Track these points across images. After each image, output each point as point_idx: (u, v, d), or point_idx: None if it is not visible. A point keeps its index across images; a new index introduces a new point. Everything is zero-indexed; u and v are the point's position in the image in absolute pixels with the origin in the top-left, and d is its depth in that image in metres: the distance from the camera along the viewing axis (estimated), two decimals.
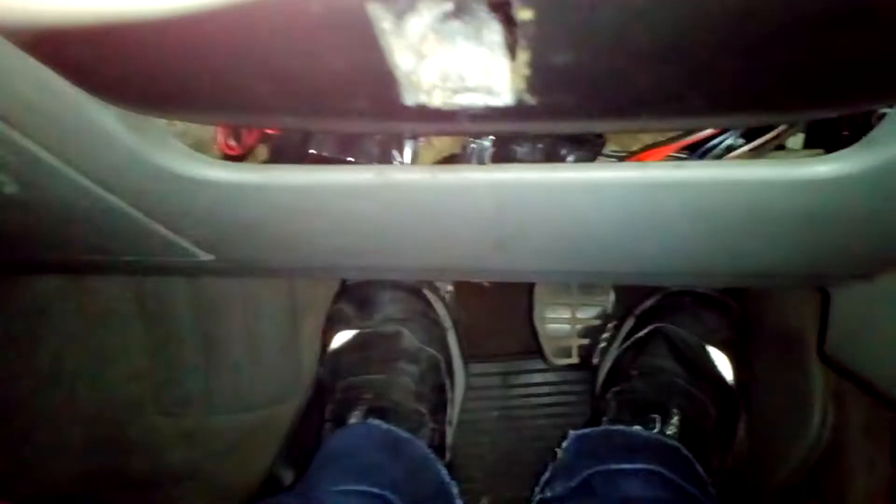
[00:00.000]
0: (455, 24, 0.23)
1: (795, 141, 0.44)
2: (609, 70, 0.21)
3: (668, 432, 0.67)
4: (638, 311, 0.79)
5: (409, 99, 0.23)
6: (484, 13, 0.22)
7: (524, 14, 0.17)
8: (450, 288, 0.86)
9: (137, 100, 0.30)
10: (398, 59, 0.21)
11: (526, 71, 0.21)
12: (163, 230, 0.43)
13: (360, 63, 0.20)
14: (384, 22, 0.20)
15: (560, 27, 0.18)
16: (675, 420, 0.67)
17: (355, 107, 0.23)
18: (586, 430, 0.71)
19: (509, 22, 0.19)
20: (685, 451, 0.65)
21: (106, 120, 0.31)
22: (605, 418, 0.72)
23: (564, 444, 0.71)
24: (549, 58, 0.19)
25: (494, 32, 0.22)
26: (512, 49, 0.21)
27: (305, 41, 0.21)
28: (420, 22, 0.22)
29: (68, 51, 0.26)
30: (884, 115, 0.30)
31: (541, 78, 0.21)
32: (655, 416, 0.68)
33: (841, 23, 0.21)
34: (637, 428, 0.67)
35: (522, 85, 0.22)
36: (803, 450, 0.72)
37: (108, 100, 0.30)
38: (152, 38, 0.24)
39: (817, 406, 0.70)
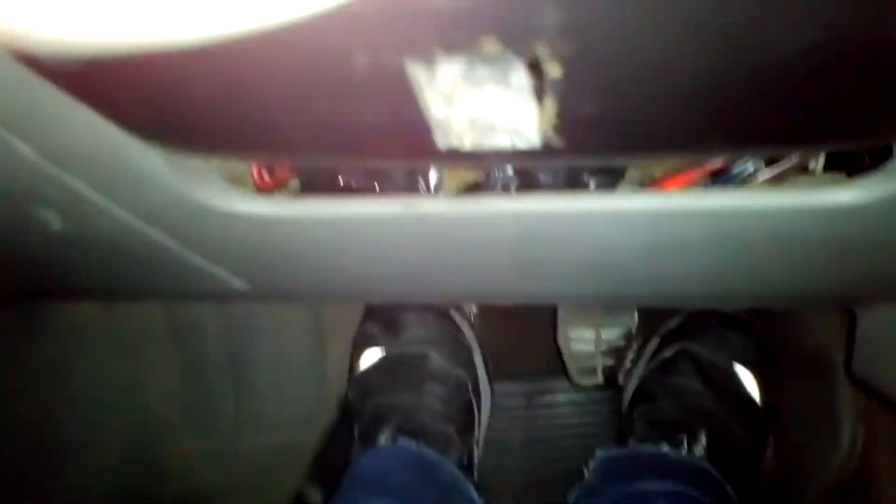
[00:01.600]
0: (483, 71, 0.24)
1: (818, 162, 0.45)
2: (632, 116, 0.22)
3: (697, 453, 0.67)
4: (663, 331, 0.79)
5: (442, 143, 0.24)
6: (512, 60, 0.23)
7: (553, 71, 0.18)
8: (475, 309, 0.87)
9: (179, 142, 0.31)
10: (432, 107, 0.23)
11: (553, 118, 0.22)
12: (199, 260, 0.45)
13: (398, 112, 0.22)
14: (422, 76, 0.21)
15: (587, 82, 0.19)
16: (702, 441, 0.67)
17: (391, 149, 0.24)
18: (613, 451, 0.71)
19: (539, 75, 0.20)
20: (714, 473, 0.65)
21: (149, 160, 0.33)
22: (631, 439, 0.72)
23: (592, 465, 0.71)
24: (575, 107, 0.21)
25: (521, 78, 0.24)
26: (540, 97, 0.22)
27: (346, 91, 0.22)
28: (451, 70, 0.23)
29: (113, 96, 0.28)
30: None
31: (567, 123, 0.22)
32: (683, 436, 0.68)
33: (857, 60, 0.22)
34: (665, 448, 0.67)
35: (550, 130, 0.23)
36: (833, 471, 0.71)
37: (150, 142, 0.32)
38: (198, 83, 0.25)
39: (846, 427, 0.70)
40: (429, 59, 0.20)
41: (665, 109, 0.22)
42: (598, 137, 0.24)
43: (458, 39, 0.17)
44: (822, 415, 0.73)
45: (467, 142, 0.24)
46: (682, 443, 0.67)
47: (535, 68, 0.20)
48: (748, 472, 0.70)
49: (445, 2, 0.17)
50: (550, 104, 0.21)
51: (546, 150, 0.25)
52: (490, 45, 0.18)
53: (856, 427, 0.69)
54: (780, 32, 0.19)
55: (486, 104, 0.24)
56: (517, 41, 0.17)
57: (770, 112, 0.24)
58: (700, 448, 0.67)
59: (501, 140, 0.25)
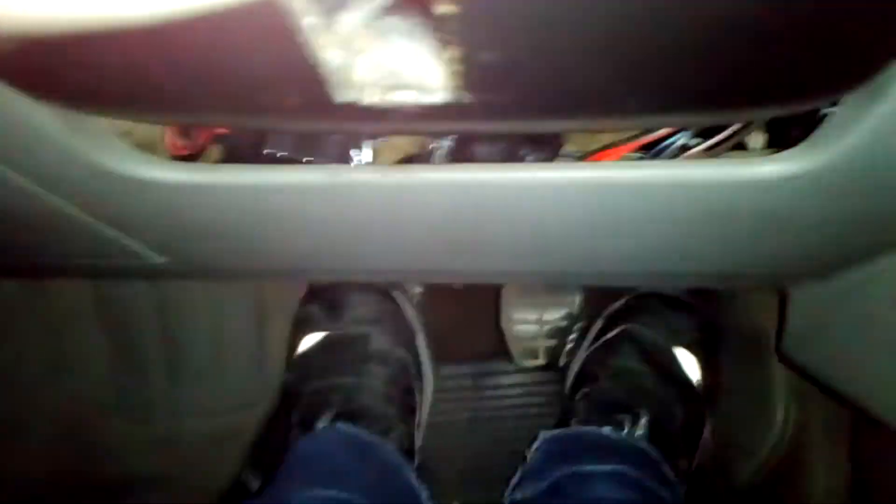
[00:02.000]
0: (390, 21, 0.22)
1: (757, 140, 0.45)
2: (543, 68, 0.20)
3: (637, 434, 0.67)
4: (606, 312, 0.79)
5: (340, 96, 0.22)
6: (414, 16, 0.22)
7: (444, 8, 0.17)
8: (419, 290, 0.86)
9: (67, 98, 0.29)
10: (327, 56, 0.21)
11: (457, 67, 0.20)
12: (110, 232, 0.42)
13: (285, 60, 0.20)
14: (310, 17, 0.19)
15: (486, 23, 0.17)
16: (643, 421, 0.68)
17: (285, 104, 0.23)
18: (556, 432, 0.71)
19: (438, 17, 0.18)
20: (654, 453, 0.66)
21: (38, 118, 0.30)
22: (574, 420, 0.72)
23: (534, 446, 0.71)
24: (478, 55, 0.19)
25: (425, 35, 0.22)
26: (442, 45, 0.20)
27: (230, 37, 0.20)
28: (351, 18, 0.21)
29: (4, 54, 0.25)
30: (825, 115, 0.30)
31: (473, 75, 0.21)
32: (624, 417, 0.68)
33: (778, 23, 0.21)
34: (606, 429, 0.67)
35: (456, 82, 0.21)
36: (766, 449, 0.72)
37: (38, 98, 0.29)
38: (82, 39, 0.23)
39: (779, 406, 0.71)
40: (325, 9, 0.19)
41: (579, 63, 0.21)
42: (509, 94, 0.22)
43: None
44: (757, 394, 0.74)
45: (368, 97, 0.23)
46: (623, 424, 0.67)
47: (439, 20, 0.18)
48: (687, 452, 0.71)
49: None
50: (452, 51, 0.19)
51: (456, 109, 0.23)
52: None
53: (789, 406, 0.71)
54: None
55: (391, 56, 0.23)
56: None
57: (691, 71, 0.23)
58: (641, 429, 0.68)
59: (407, 95, 0.23)
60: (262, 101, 0.23)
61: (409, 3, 0.19)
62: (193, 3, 0.15)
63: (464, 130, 0.36)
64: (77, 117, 0.31)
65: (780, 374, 0.71)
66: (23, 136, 0.32)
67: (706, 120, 0.32)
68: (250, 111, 0.25)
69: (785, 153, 0.32)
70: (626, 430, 0.67)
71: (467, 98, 0.22)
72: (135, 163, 0.34)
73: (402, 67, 0.23)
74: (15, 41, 0.22)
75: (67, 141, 0.32)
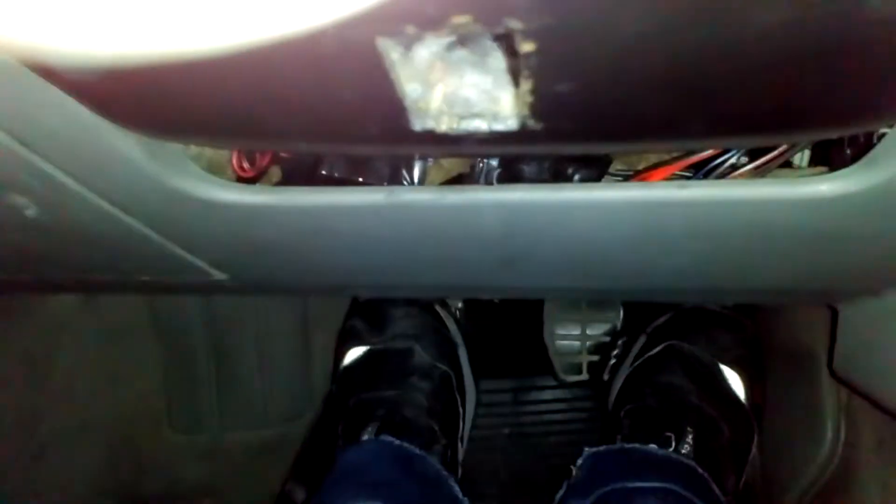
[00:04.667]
0: (461, 53, 0.24)
1: (801, 158, 0.45)
2: (609, 98, 0.21)
3: (683, 451, 0.67)
4: (649, 328, 0.79)
5: (418, 125, 0.23)
6: (488, 42, 0.23)
7: (526, 46, 0.18)
8: (460, 304, 0.87)
9: (155, 127, 0.31)
10: (407, 88, 0.22)
11: (529, 98, 0.21)
12: (178, 251, 0.44)
13: (371, 92, 0.21)
14: (393, 53, 0.21)
15: (560, 59, 0.18)
16: (689, 439, 0.67)
17: (366, 133, 0.24)
18: (601, 448, 0.71)
19: (513, 52, 0.20)
20: (701, 471, 0.65)
21: (125, 146, 0.32)
22: (618, 436, 0.72)
23: (579, 462, 0.71)
24: (551, 86, 0.20)
25: (498, 60, 0.23)
26: (516, 77, 0.21)
27: (318, 72, 0.22)
28: (427, 51, 0.23)
29: (88, 81, 0.27)
30: (884, 134, 0.31)
31: (544, 104, 0.22)
32: (670, 434, 0.68)
33: (836, 48, 0.22)
34: (652, 446, 0.67)
35: (526, 111, 0.23)
36: (816, 468, 0.71)
37: (126, 126, 0.31)
38: (170, 69, 0.25)
39: (829, 424, 0.70)
40: (402, 38, 0.20)
41: (643, 93, 0.22)
42: (576, 121, 0.23)
43: (429, 13, 0.17)
44: (806, 412, 0.73)
45: (443, 125, 0.24)
46: (669, 441, 0.67)
47: (511, 47, 0.20)
48: (734, 471, 0.70)
49: None
50: (525, 83, 0.20)
51: (524, 135, 0.25)
52: (462, 20, 0.17)
53: (838, 424, 0.70)
54: (762, 18, 0.19)
55: (463, 87, 0.24)
56: (489, 15, 0.17)
57: (751, 99, 0.24)
58: (687, 446, 0.67)
59: (479, 123, 0.24)
60: (344, 130, 0.24)
61: (487, 39, 0.20)
62: (262, 33, 0.16)
63: (527, 153, 0.37)
64: (157, 143, 0.33)
65: (828, 391, 0.70)
66: (105, 160, 0.34)
67: (764, 142, 0.33)
68: (332, 139, 0.26)
69: (841, 172, 0.32)
70: (671, 447, 0.67)
71: (535, 125, 0.24)
72: (208, 186, 0.36)
73: (474, 97, 0.24)
74: (104, 71, 0.24)
75: (147, 166, 0.34)
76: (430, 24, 0.17)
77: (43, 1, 0.16)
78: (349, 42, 0.19)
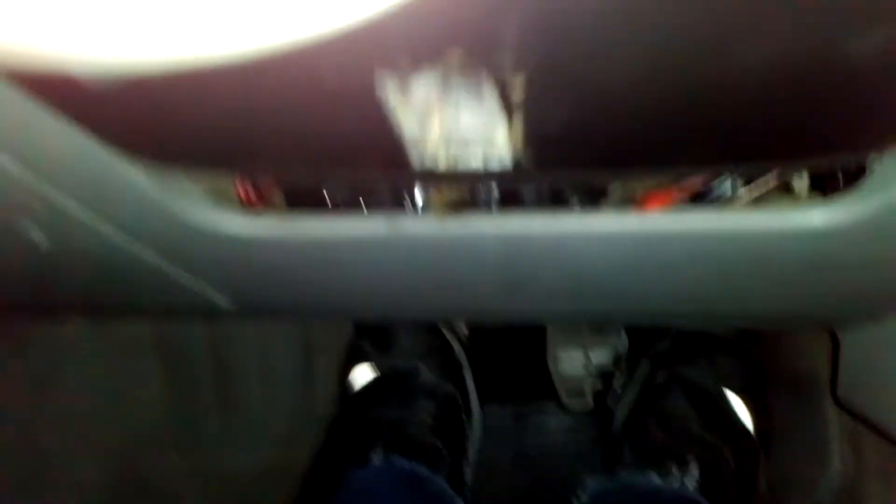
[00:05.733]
0: (457, 90, 0.24)
1: (801, 183, 0.45)
2: (600, 132, 0.22)
3: (688, 484, 0.66)
4: (652, 353, 0.79)
5: (416, 162, 0.24)
6: (482, 76, 0.24)
7: (517, 80, 0.19)
8: (465, 329, 0.87)
9: (159, 156, 0.32)
10: (405, 127, 0.23)
11: (521, 134, 0.22)
12: (185, 278, 0.45)
13: (371, 130, 0.22)
14: (393, 92, 0.21)
15: (552, 91, 0.19)
16: (693, 470, 0.66)
17: (368, 164, 0.25)
18: (603, 481, 0.70)
19: (504, 87, 0.20)
20: (705, 503, 0.64)
21: (133, 176, 0.33)
22: (620, 466, 0.71)
23: (580, 495, 0.71)
24: (543, 119, 0.21)
25: (492, 97, 0.24)
26: (509, 112, 0.22)
27: (322, 108, 0.22)
28: (425, 88, 0.23)
29: (97, 113, 0.28)
30: (873, 168, 0.31)
31: (537, 137, 0.23)
32: (673, 465, 0.67)
33: (829, 78, 0.22)
34: (654, 478, 0.66)
35: (519, 146, 0.23)
36: (821, 495, 0.70)
37: (133, 157, 0.32)
38: (174, 98, 0.26)
39: (834, 451, 0.69)
40: (400, 76, 0.21)
41: (626, 124, 0.23)
42: (567, 154, 0.24)
43: (424, 52, 0.18)
44: (811, 438, 0.73)
45: (441, 161, 0.25)
46: (671, 472, 0.66)
47: (503, 84, 0.20)
48: (740, 501, 0.70)
49: (411, 16, 0.17)
50: (518, 119, 0.21)
51: (518, 169, 0.25)
52: (455, 57, 0.18)
53: (844, 450, 0.69)
54: (749, 52, 0.20)
55: (460, 123, 0.25)
56: (480, 52, 0.18)
57: (741, 129, 0.25)
58: (691, 479, 0.66)
59: (475, 159, 0.25)
60: (346, 161, 0.25)
61: (480, 75, 0.21)
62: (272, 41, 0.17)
63: (521, 181, 0.37)
64: (164, 174, 0.34)
65: (833, 417, 0.70)
66: (113, 189, 0.35)
67: (758, 170, 0.33)
68: (333, 168, 0.27)
69: (832, 203, 0.33)
70: (674, 479, 0.66)
71: (530, 161, 0.24)
72: (216, 216, 0.36)
73: (470, 134, 0.25)
74: (111, 90, 0.25)
75: (153, 194, 0.35)
76: (425, 58, 0.18)
77: (55, 8, 0.16)
78: (351, 80, 0.20)
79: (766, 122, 0.24)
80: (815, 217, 0.31)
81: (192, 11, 0.16)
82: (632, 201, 0.47)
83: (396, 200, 0.49)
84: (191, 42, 0.16)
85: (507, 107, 0.23)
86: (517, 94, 0.20)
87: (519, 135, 0.23)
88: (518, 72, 0.19)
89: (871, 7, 0.16)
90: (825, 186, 0.42)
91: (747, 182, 0.43)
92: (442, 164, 0.25)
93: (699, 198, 0.44)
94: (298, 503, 0.88)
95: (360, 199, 0.49)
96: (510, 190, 0.47)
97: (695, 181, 0.43)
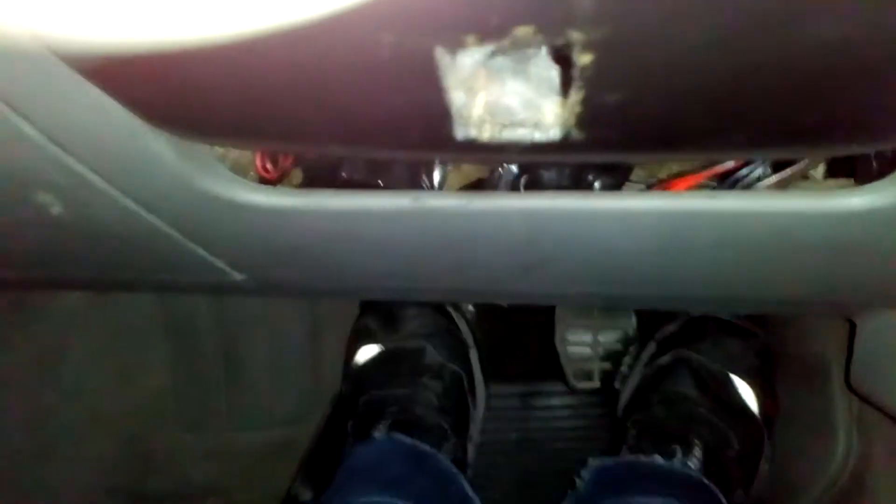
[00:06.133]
0: (503, 61, 0.24)
1: (818, 170, 0.45)
2: (655, 109, 0.21)
3: (691, 464, 0.66)
4: (659, 336, 0.79)
5: (460, 133, 0.23)
6: (531, 50, 0.23)
7: (584, 58, 0.18)
8: (472, 308, 0.87)
9: (187, 127, 0.31)
10: (452, 95, 0.22)
11: (578, 108, 0.21)
12: (199, 251, 0.44)
13: (417, 99, 0.21)
14: (444, 60, 0.21)
15: (615, 70, 0.18)
16: (697, 451, 0.67)
17: (408, 139, 0.24)
18: (606, 461, 0.70)
19: (565, 63, 0.20)
20: (709, 484, 0.64)
21: (157, 145, 0.32)
22: (625, 446, 0.71)
23: (584, 474, 0.71)
24: (601, 97, 0.20)
25: (541, 69, 0.23)
26: (566, 87, 0.21)
27: (367, 75, 0.22)
28: (471, 59, 0.23)
29: (125, 78, 0.28)
30: None
31: (591, 114, 0.22)
32: (676, 446, 0.67)
33: (868, 65, 0.22)
34: (658, 458, 0.67)
35: (572, 121, 0.23)
36: (828, 479, 0.71)
37: (161, 126, 0.31)
38: (209, 67, 0.25)
39: (842, 434, 0.70)
40: (456, 46, 0.20)
41: (686, 104, 0.22)
42: (618, 131, 0.23)
43: (493, 24, 0.17)
44: (818, 422, 0.73)
45: (485, 133, 0.24)
46: (675, 453, 0.66)
47: (562, 59, 0.20)
48: (743, 483, 0.70)
49: None
50: (576, 94, 0.20)
51: (564, 144, 0.24)
52: (525, 31, 0.17)
53: (851, 435, 0.70)
54: (800, 36, 0.19)
55: (507, 95, 0.24)
56: (553, 27, 0.17)
57: (793, 113, 0.24)
58: (694, 459, 0.66)
59: (520, 132, 0.24)
60: (386, 135, 0.24)
61: (548, 38, 0.20)
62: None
63: (564, 162, 0.37)
64: (188, 144, 0.34)
65: (841, 402, 0.70)
66: (134, 159, 0.34)
67: (796, 155, 0.33)
68: (371, 144, 0.26)
69: (871, 186, 0.32)
70: (678, 460, 0.66)
71: (579, 135, 0.24)
72: (235, 187, 0.36)
73: (515, 106, 0.24)
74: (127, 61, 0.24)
75: (176, 166, 0.34)
76: (493, 34, 0.17)
77: None
78: (407, 49, 0.19)
79: (818, 108, 0.24)
80: (854, 200, 0.31)
81: None
82: (654, 185, 0.47)
83: (414, 182, 0.48)
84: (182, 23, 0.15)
85: (566, 82, 0.22)
86: (580, 71, 0.19)
87: (571, 111, 0.22)
88: (586, 49, 0.18)
89: None
90: (855, 172, 0.41)
91: (774, 167, 0.42)
92: (486, 136, 0.24)
93: (726, 177, 0.43)
94: (302, 479, 0.88)
95: (378, 180, 0.48)
96: (530, 174, 0.46)
97: (721, 165, 0.43)
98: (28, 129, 0.31)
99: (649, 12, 0.16)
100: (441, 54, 0.19)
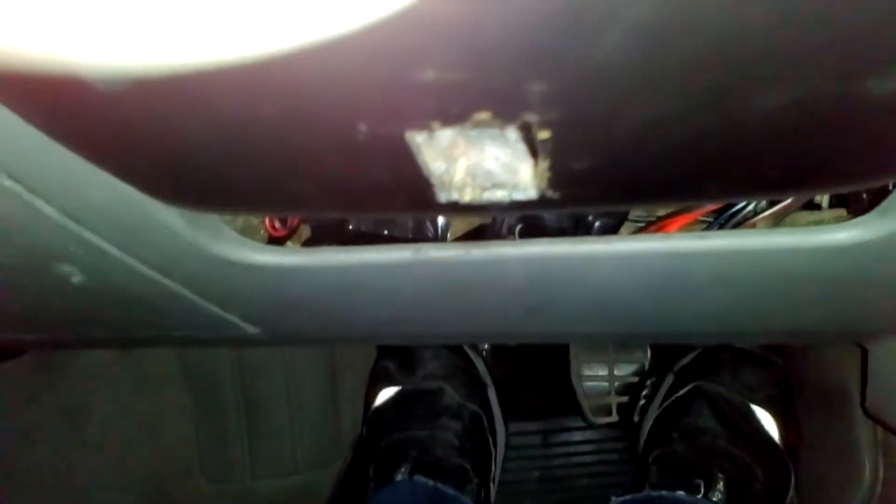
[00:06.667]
0: (483, 131, 0.25)
1: (823, 197, 0.45)
2: (623, 171, 0.23)
3: (714, 499, 0.65)
4: (676, 367, 0.78)
5: (443, 197, 0.25)
6: (507, 129, 0.24)
7: (543, 134, 0.19)
8: (488, 346, 0.87)
9: (194, 201, 0.33)
10: (432, 167, 0.24)
11: (547, 173, 0.23)
12: (214, 309, 0.46)
13: (399, 171, 0.23)
14: (418, 138, 0.22)
15: (575, 142, 0.20)
16: (720, 485, 0.66)
17: (395, 204, 0.25)
18: (628, 498, 0.70)
19: (530, 136, 0.21)
20: None
21: (166, 217, 0.34)
22: (647, 484, 0.71)
23: None
24: (567, 164, 0.22)
25: (516, 136, 0.25)
26: (534, 156, 0.23)
27: (349, 156, 0.23)
28: (450, 132, 0.24)
29: (129, 160, 0.30)
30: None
31: (561, 177, 0.23)
32: (699, 481, 0.66)
33: (839, 122, 0.23)
34: (681, 494, 0.66)
35: (545, 183, 0.24)
36: None
37: (167, 202, 0.33)
38: (209, 149, 0.27)
39: (867, 462, 0.69)
40: (424, 130, 0.22)
41: (656, 164, 0.23)
42: (592, 189, 0.24)
43: (453, 112, 0.18)
44: (841, 450, 0.72)
45: (467, 196, 0.25)
46: (699, 488, 0.66)
47: (528, 131, 0.21)
48: None
49: (441, 79, 0.18)
50: (543, 161, 0.22)
51: (543, 202, 0.26)
52: (483, 116, 0.19)
53: (876, 462, 0.68)
54: (772, 92, 0.20)
55: (484, 160, 0.26)
56: (508, 112, 0.18)
57: (763, 163, 0.25)
58: (718, 494, 0.66)
59: (500, 194, 0.26)
60: (373, 202, 0.26)
61: (504, 122, 0.22)
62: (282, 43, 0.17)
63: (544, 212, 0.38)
64: (196, 213, 0.35)
65: (864, 429, 0.69)
66: (147, 230, 0.36)
67: (777, 198, 0.34)
68: (361, 210, 0.28)
69: (857, 220, 0.33)
70: (701, 494, 0.66)
71: (554, 194, 0.25)
72: (243, 249, 0.37)
73: (495, 169, 0.26)
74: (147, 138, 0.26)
75: (187, 234, 0.36)
76: (454, 119, 0.19)
77: (60, 10, 0.16)
78: (380, 132, 0.21)
79: (787, 159, 0.25)
80: (840, 234, 0.32)
81: (197, 11, 0.16)
82: (653, 222, 0.48)
83: (419, 229, 0.50)
84: (196, 43, 0.16)
85: (533, 152, 0.23)
86: (542, 143, 0.21)
87: (542, 176, 0.23)
88: (543, 127, 0.20)
89: (888, 49, 0.17)
90: (848, 204, 0.42)
91: (770, 201, 0.43)
92: (468, 198, 0.25)
93: (721, 213, 0.44)
94: None
95: (384, 228, 0.50)
96: (531, 218, 0.47)
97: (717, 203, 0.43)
98: (46, 207, 0.33)
99: (598, 95, 0.18)
100: (411, 137, 0.21)
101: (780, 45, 0.16)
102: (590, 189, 0.24)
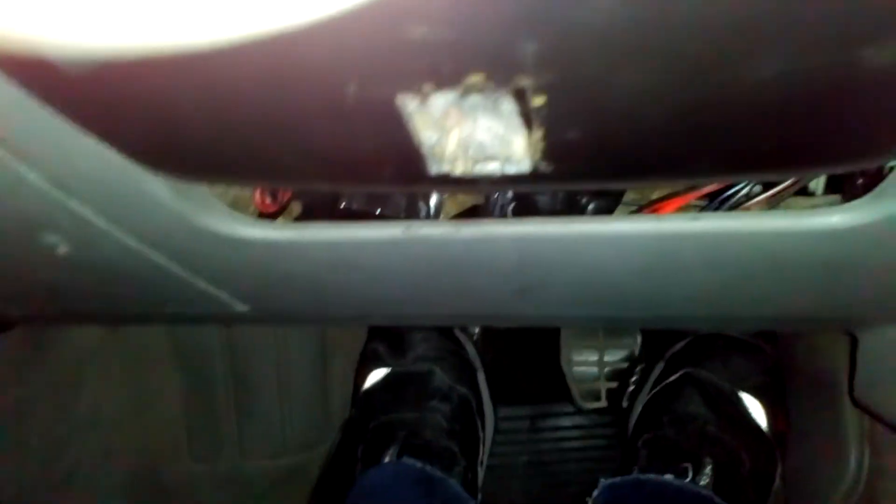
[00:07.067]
0: (475, 100, 0.25)
1: (818, 183, 0.45)
2: (618, 142, 0.22)
3: (702, 482, 0.66)
4: (667, 354, 0.79)
5: (434, 169, 0.24)
6: (501, 96, 0.24)
7: (537, 100, 0.19)
8: (478, 330, 0.88)
9: (181, 170, 0.32)
10: (423, 136, 0.23)
11: (541, 144, 0.22)
12: (202, 284, 0.46)
13: (389, 140, 0.22)
14: (410, 105, 0.22)
15: (569, 109, 0.19)
16: (707, 469, 0.66)
17: (384, 175, 0.25)
18: (616, 480, 0.70)
19: (524, 103, 0.21)
20: (719, 502, 0.64)
21: (154, 187, 0.34)
22: (635, 467, 0.71)
23: (595, 494, 0.71)
24: (561, 133, 0.21)
25: (511, 106, 0.24)
26: (528, 125, 0.22)
27: (340, 124, 0.23)
28: (443, 100, 0.24)
29: (117, 126, 0.29)
30: (893, 167, 0.31)
31: (555, 149, 0.23)
32: (687, 465, 0.67)
33: (834, 94, 0.22)
34: (669, 477, 0.66)
35: (538, 155, 0.24)
36: (841, 495, 0.70)
37: (154, 170, 0.32)
38: (198, 115, 0.26)
39: (853, 450, 0.69)
40: (416, 93, 0.21)
41: (651, 136, 0.23)
42: (586, 163, 0.24)
43: (445, 73, 0.18)
44: (828, 439, 0.72)
45: (458, 169, 0.25)
46: (686, 472, 0.66)
47: (522, 97, 0.21)
48: (756, 501, 0.69)
49: (433, 38, 0.17)
50: (537, 131, 0.21)
51: (536, 176, 0.25)
52: (476, 79, 0.18)
53: (862, 451, 0.69)
54: (766, 61, 0.20)
55: (477, 131, 0.25)
56: (501, 74, 0.18)
57: (755, 140, 0.25)
58: (705, 477, 0.66)
59: (492, 166, 0.25)
60: (363, 172, 0.26)
61: (498, 89, 0.21)
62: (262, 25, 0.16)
63: (539, 191, 0.38)
64: (184, 184, 0.35)
65: (852, 418, 0.69)
66: (135, 201, 0.36)
67: (770, 178, 0.34)
68: (352, 181, 0.28)
69: (851, 204, 0.33)
70: (689, 478, 0.66)
71: (547, 167, 0.25)
72: (234, 223, 0.37)
73: (487, 141, 0.25)
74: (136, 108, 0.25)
75: (175, 205, 0.35)
76: (446, 81, 0.18)
77: None
78: (370, 94, 0.20)
79: (782, 134, 0.24)
80: (834, 218, 0.31)
81: None
82: (646, 205, 0.48)
83: (412, 208, 0.50)
84: (175, 25, 0.16)
85: (527, 121, 0.23)
86: (537, 111, 0.20)
87: (538, 146, 0.23)
88: (537, 92, 0.19)
89: (886, 17, 0.17)
90: (843, 189, 0.42)
91: (764, 185, 0.43)
92: (459, 171, 0.25)
93: (716, 196, 0.44)
94: None
95: (376, 207, 0.49)
96: (525, 198, 0.47)
97: (712, 185, 0.43)
98: (30, 174, 0.32)
99: (592, 58, 0.17)
100: (402, 101, 0.20)
101: (776, 10, 0.16)
102: (583, 163, 0.24)
